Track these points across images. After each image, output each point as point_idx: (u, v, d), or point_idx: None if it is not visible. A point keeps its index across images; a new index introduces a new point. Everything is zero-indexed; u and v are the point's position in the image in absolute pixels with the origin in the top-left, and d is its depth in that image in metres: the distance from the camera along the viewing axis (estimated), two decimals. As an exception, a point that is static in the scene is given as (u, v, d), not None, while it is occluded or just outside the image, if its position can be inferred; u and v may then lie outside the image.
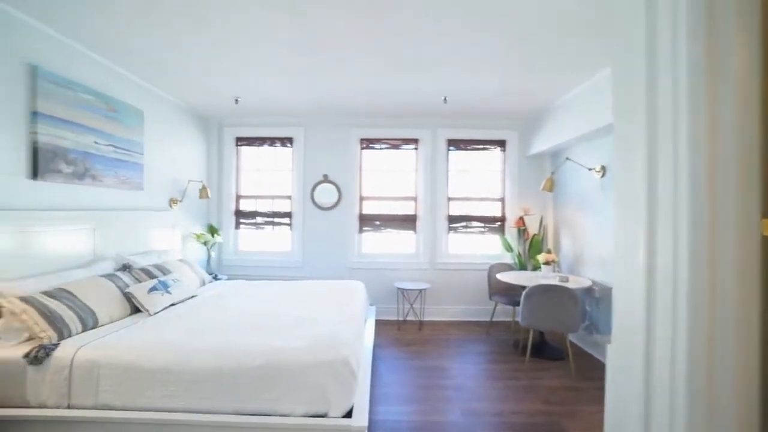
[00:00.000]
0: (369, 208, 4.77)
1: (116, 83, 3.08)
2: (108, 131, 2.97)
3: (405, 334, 4.07)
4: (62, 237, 2.51)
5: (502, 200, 4.75)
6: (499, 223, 4.73)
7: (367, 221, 4.75)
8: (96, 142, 2.85)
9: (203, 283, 3.47)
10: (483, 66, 2.97)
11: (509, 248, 4.48)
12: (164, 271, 2.98)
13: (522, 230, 4.53)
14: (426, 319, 4.57)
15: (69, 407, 1.83)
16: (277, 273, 4.64)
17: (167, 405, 1.81)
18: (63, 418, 1.80)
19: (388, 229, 4.75)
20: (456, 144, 4.72)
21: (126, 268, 2.82)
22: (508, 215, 4.69)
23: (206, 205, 4.65)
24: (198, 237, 4.22)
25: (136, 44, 2.64)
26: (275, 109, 4.31)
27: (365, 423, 1.74)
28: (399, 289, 4.35)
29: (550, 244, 4.54)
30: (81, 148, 2.71)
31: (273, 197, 4.81)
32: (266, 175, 4.87)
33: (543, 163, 4.65)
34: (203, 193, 4.14)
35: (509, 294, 4.05)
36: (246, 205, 4.84)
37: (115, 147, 3.05)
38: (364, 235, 4.76)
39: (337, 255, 4.68)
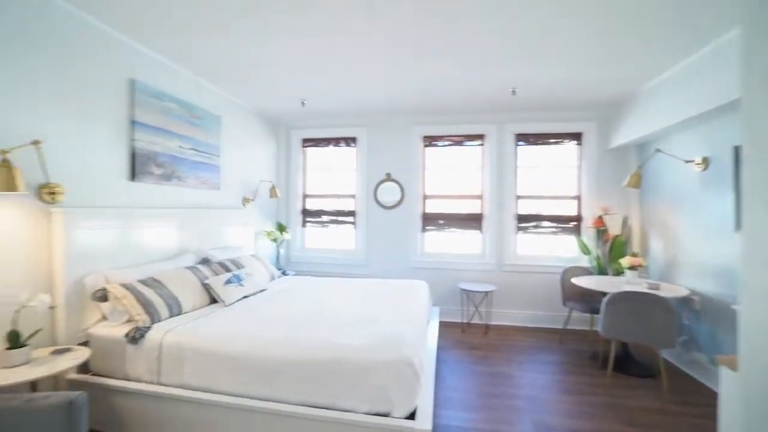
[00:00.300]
0: (432, 207, 4.68)
1: (197, 92, 3.37)
2: (190, 136, 3.25)
3: (470, 338, 3.91)
4: (153, 231, 2.80)
5: (578, 198, 4.35)
6: (574, 223, 4.34)
7: (430, 220, 4.66)
8: (180, 147, 3.13)
9: (272, 278, 3.65)
10: (557, 54, 2.72)
11: (586, 251, 4.09)
12: (238, 265, 3.18)
13: (601, 231, 4.11)
14: (492, 323, 4.36)
15: (159, 384, 2.02)
16: (340, 270, 4.75)
17: (241, 390, 1.92)
18: (154, 392, 1.98)
19: (452, 229, 4.61)
20: (525, 138, 4.43)
21: (205, 261, 3.07)
22: (584, 214, 4.29)
23: (276, 204, 4.91)
24: (268, 234, 4.46)
25: (214, 57, 2.85)
26: (339, 110, 4.40)
27: (429, 426, 1.67)
28: (463, 290, 4.19)
29: (635, 247, 4.05)
30: (169, 152, 3.00)
31: (337, 196, 4.93)
32: (331, 174, 5.01)
33: (626, 157, 4.17)
34: (273, 192, 4.37)
35: (586, 300, 3.69)
36: (312, 204, 5.02)
37: (197, 150, 3.33)
38: (427, 234, 4.68)
39: (400, 254, 4.65)
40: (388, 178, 4.69)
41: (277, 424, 1.83)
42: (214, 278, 2.75)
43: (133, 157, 2.67)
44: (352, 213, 4.85)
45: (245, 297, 2.84)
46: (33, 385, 1.80)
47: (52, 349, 1.98)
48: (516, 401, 2.59)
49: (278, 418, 1.83)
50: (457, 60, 2.89)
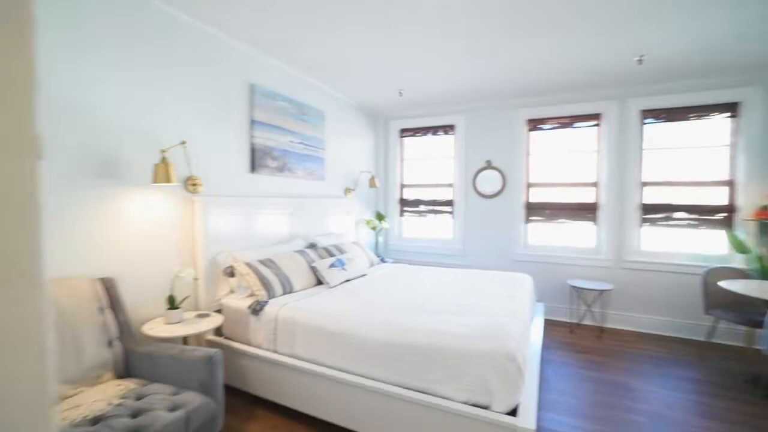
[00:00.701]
0: (537, 196, 4.31)
1: (304, 90, 3.65)
2: (299, 131, 3.54)
3: (580, 340, 3.53)
4: (268, 218, 3.14)
5: (730, 183, 3.54)
6: (723, 215, 3.55)
7: (534, 210, 4.31)
8: (291, 141, 3.44)
9: (371, 265, 3.80)
10: (706, 6, 2.22)
11: (742, 248, 3.31)
12: (341, 250, 3.39)
13: (766, 225, 3.28)
14: (607, 325, 3.86)
15: (274, 351, 2.27)
16: (437, 260, 4.72)
17: (342, 365, 2.04)
18: (270, 359, 2.24)
19: (561, 219, 4.19)
20: (655, 115, 3.76)
21: (312, 246, 3.33)
22: (741, 204, 3.47)
23: (375, 194, 5.09)
24: (367, 223, 4.66)
25: (319, 55, 3.04)
26: (436, 98, 4.33)
27: (533, 426, 1.55)
28: (573, 287, 3.79)
29: (818, 245, 3.14)
30: (281, 147, 3.32)
31: (435, 186, 4.89)
32: (428, 164, 4.98)
33: (808, 129, 3.23)
34: (372, 182, 4.53)
35: (740, 310, 3.01)
36: (409, 194, 5.07)
37: (304, 144, 3.62)
38: (531, 225, 4.34)
39: (501, 245, 4.42)
40: (489, 165, 4.47)
41: (374, 401, 1.90)
42: (320, 262, 2.98)
43: (253, 152, 3.03)
44: (449, 202, 4.76)
45: (347, 281, 3.01)
46: (184, 340, 2.19)
47: (195, 313, 2.38)
48: (636, 416, 2.25)
49: (375, 395, 1.90)
50: (568, 31, 2.57)
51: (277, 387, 2.23)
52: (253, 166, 3.04)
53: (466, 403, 1.72)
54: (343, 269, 3.03)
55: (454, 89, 3.96)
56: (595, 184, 4.03)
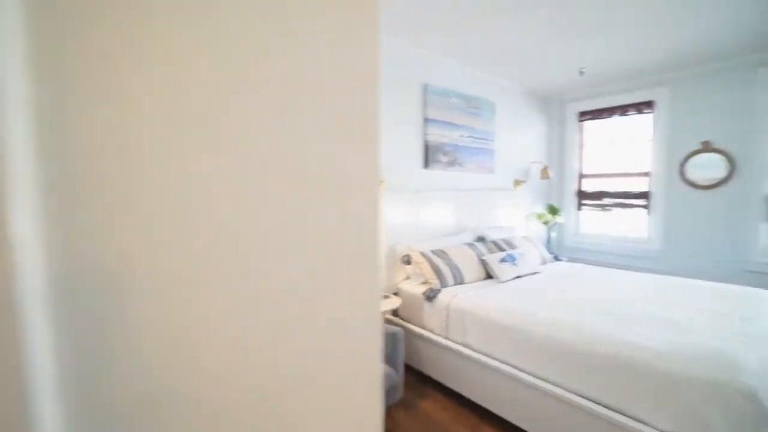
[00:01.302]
0: (789, 185, 3.17)
1: (474, 83, 3.63)
2: (469, 125, 3.56)
3: None
4: (438, 211, 3.29)
5: None
6: None
7: (783, 204, 3.18)
8: (461, 136, 3.50)
9: (544, 262, 3.54)
10: None
11: None
12: (511, 245, 3.28)
13: None
14: None
15: (446, 338, 2.40)
16: (625, 262, 4.02)
17: (515, 360, 2.01)
18: (443, 344, 2.38)
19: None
20: None
21: (481, 239, 3.33)
22: None
23: (547, 186, 4.69)
24: (539, 217, 4.34)
25: (490, 47, 2.97)
26: (629, 72, 3.66)
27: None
28: None
29: None
30: (452, 142, 3.42)
31: (624, 175, 4.17)
32: (615, 150, 4.28)
33: None
34: (544, 173, 4.19)
35: None
36: (590, 185, 4.47)
37: (474, 138, 3.62)
38: (775, 224, 3.23)
39: (723, 249, 3.45)
40: (706, 147, 3.52)
41: (548, 404, 1.80)
42: (490, 255, 2.96)
43: (426, 148, 3.22)
44: (644, 194, 3.98)
45: (518, 277, 2.90)
46: (370, 317, 2.54)
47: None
48: None
49: (549, 399, 1.79)
50: None
51: (448, 371, 2.35)
52: (426, 162, 3.23)
53: (672, 435, 1.45)
54: (514, 265, 2.93)
55: (654, 57, 3.27)
56: None
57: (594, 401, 1.68)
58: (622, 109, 4.11)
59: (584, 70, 3.58)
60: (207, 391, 0.38)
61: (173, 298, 0.36)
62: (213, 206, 0.37)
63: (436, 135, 3.27)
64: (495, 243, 3.24)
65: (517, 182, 4.17)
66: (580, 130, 4.52)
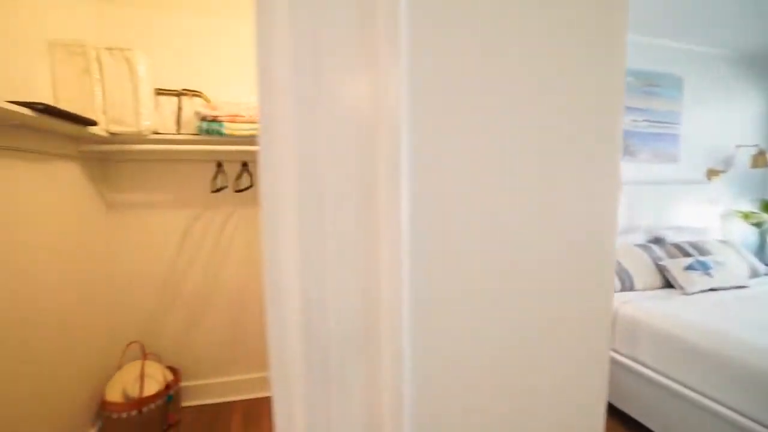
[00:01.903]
0: None
1: (655, 56, 3.07)
2: (645, 108, 3.04)
3: None
4: (604, 207, 2.93)
5: None
6: None
7: None
8: (634, 120, 3.02)
9: (755, 274, 2.78)
10: None
11: None
12: (701, 250, 2.69)
13: None
14: None
15: (612, 349, 2.16)
16: None
17: (706, 390, 1.68)
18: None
19: None
20: None
21: (657, 241, 2.84)
22: None
23: (760, 176, 3.63)
24: (745, 216, 3.41)
25: (678, 4, 2.47)
26: None
27: None
28: None
29: None
30: (623, 128, 2.98)
31: None
32: None
33: None
34: (758, 160, 3.25)
35: None
36: (835, 175, 3.28)
37: (650, 121, 3.08)
38: None
39: None
40: None
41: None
42: (671, 261, 2.50)
43: (589, 137, 2.90)
44: None
45: (713, 289, 2.37)
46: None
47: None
48: None
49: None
50: None
51: (615, 386, 2.11)
52: (589, 153, 2.92)
53: None
54: (707, 274, 2.41)
55: None
56: None
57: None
58: None
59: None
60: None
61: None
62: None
63: (602, 122, 2.91)
64: (677, 246, 2.71)
65: (711, 172, 3.36)
66: (823, 100, 3.34)
